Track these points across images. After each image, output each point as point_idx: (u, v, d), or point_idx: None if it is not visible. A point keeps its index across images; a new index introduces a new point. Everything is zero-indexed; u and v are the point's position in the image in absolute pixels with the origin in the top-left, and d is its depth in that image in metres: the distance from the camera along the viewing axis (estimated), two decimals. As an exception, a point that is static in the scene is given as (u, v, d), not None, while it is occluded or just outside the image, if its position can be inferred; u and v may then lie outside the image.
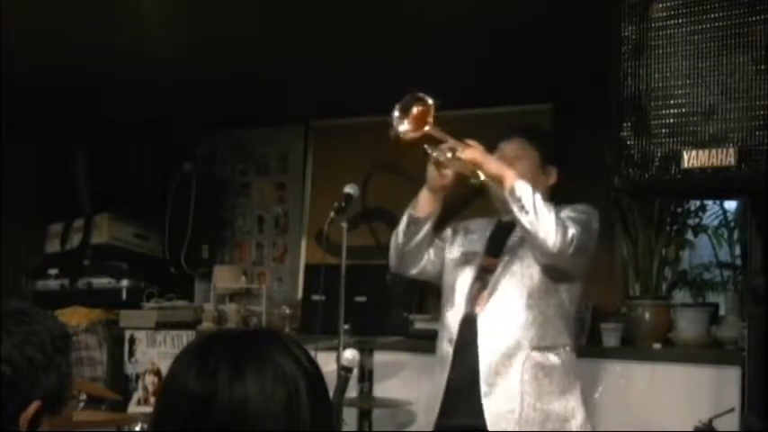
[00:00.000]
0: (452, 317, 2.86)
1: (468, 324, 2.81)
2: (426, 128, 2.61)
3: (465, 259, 2.92)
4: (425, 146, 2.72)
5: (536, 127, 3.12)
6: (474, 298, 2.84)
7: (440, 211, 2.91)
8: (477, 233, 2.98)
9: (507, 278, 2.79)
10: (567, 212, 2.73)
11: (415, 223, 2.89)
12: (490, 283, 2.82)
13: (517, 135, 2.93)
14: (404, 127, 2.65)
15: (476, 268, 2.88)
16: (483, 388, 2.71)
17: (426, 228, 2.90)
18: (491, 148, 2.87)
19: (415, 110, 2.66)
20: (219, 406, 1.12)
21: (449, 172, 2.78)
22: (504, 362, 2.71)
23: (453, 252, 2.97)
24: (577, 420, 2.75)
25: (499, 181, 2.68)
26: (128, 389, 4.65)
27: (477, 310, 2.81)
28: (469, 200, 3.79)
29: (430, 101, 2.63)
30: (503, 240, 2.87)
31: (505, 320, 2.75)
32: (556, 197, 2.79)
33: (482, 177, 2.74)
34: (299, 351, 1.20)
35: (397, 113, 2.65)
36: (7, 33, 3.74)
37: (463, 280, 2.88)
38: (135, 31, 3.87)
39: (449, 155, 2.72)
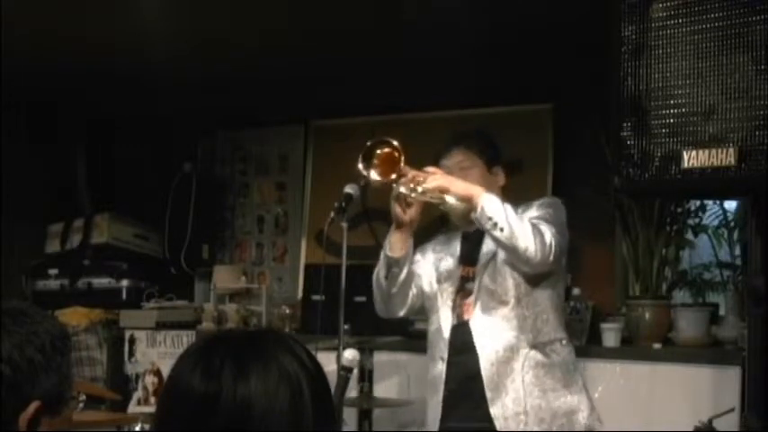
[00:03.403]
0: (439, 336, 2.81)
1: (460, 331, 2.78)
2: (394, 175, 2.62)
3: (440, 279, 2.89)
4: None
5: (472, 132, 3.04)
6: (460, 307, 2.81)
7: (413, 246, 2.86)
8: (445, 251, 2.93)
9: (490, 281, 2.75)
10: (533, 212, 2.71)
11: (396, 265, 2.82)
12: (474, 289, 2.78)
13: (456, 146, 2.87)
14: (374, 175, 2.65)
15: (455, 282, 2.85)
16: (487, 395, 2.69)
17: (407, 266, 2.84)
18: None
19: (379, 152, 2.65)
20: (224, 406, 1.12)
21: (413, 209, 2.74)
22: (504, 365, 2.69)
23: (429, 277, 2.92)
24: (584, 412, 2.74)
25: (468, 200, 2.64)
26: (128, 389, 4.64)
27: (466, 317, 2.78)
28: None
29: (395, 142, 2.63)
30: (476, 248, 2.82)
31: (497, 323, 2.72)
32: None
33: (449, 202, 2.70)
34: (302, 351, 1.21)
35: (360, 164, 2.64)
36: (7, 33, 3.74)
37: (444, 299, 2.85)
38: (135, 31, 3.87)
39: (413, 187, 2.68)
